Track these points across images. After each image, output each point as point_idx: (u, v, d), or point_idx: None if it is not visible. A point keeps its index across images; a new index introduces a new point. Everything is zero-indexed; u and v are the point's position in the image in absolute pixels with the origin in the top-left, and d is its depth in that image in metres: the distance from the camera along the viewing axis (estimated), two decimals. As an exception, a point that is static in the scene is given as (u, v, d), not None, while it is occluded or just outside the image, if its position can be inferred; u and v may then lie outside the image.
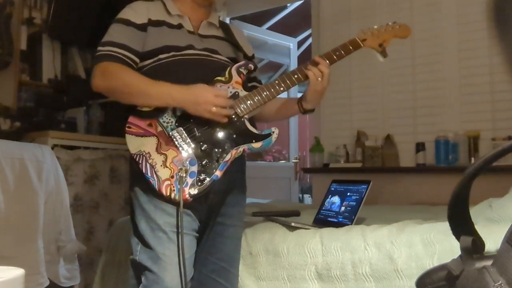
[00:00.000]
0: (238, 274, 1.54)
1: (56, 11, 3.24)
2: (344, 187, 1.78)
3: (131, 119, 1.39)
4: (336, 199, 1.77)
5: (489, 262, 0.69)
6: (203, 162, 1.34)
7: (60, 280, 2.29)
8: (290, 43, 4.66)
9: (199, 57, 1.46)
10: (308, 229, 1.58)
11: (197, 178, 1.33)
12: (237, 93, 1.42)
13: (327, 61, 1.45)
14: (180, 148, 1.35)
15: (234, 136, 1.39)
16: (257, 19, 4.99)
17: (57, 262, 2.31)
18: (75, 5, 3.25)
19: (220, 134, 1.38)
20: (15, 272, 0.84)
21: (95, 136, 3.06)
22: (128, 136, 1.38)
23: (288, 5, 4.97)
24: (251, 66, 1.46)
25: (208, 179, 1.33)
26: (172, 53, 1.44)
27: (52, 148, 2.54)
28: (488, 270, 0.67)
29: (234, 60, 1.52)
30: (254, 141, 1.40)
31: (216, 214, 1.47)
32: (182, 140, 1.36)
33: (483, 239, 0.76)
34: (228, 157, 1.36)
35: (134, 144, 1.36)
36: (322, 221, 1.76)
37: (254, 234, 1.62)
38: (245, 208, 1.59)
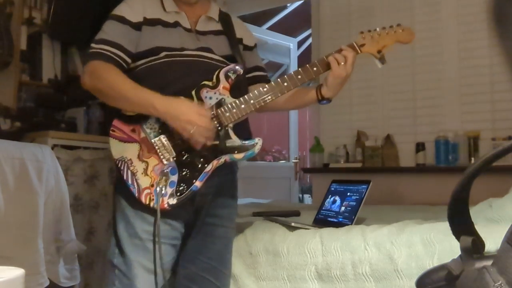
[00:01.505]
0: (230, 275, 1.54)
1: (56, 11, 3.24)
2: (344, 187, 1.78)
3: (115, 122, 1.38)
4: (336, 199, 1.77)
5: (489, 262, 0.69)
6: (184, 172, 1.33)
7: (60, 280, 2.28)
8: (290, 43, 4.66)
9: (191, 59, 1.42)
10: (308, 229, 1.58)
11: (177, 188, 1.32)
12: (223, 100, 1.38)
13: (321, 69, 1.42)
14: (162, 157, 1.34)
15: (216, 146, 1.36)
16: (257, 19, 4.98)
17: (57, 262, 2.30)
18: (75, 5, 3.25)
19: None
20: (15, 272, 0.84)
21: (95, 136, 3.05)
22: (111, 140, 1.37)
23: (288, 5, 4.97)
24: (240, 70, 1.40)
25: (187, 189, 1.32)
26: (164, 53, 1.40)
27: (52, 148, 2.53)
28: (488, 270, 0.67)
29: (230, 58, 1.49)
30: (236, 152, 1.37)
31: (206, 215, 1.46)
32: (164, 148, 1.34)
33: (483, 239, 0.76)
34: (209, 167, 1.34)
35: (117, 149, 1.36)
36: (322, 221, 1.76)
37: (254, 234, 1.62)
38: (236, 210, 1.59)
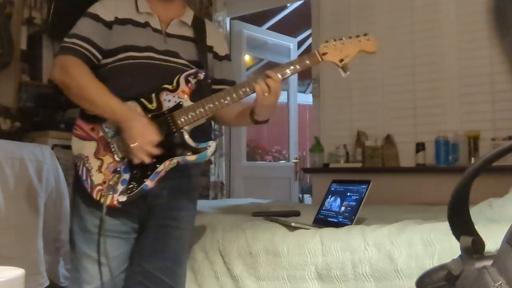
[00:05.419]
0: (185, 275, 1.59)
1: (56, 11, 3.24)
2: (344, 187, 1.78)
3: (78, 121, 1.45)
4: (336, 199, 1.77)
5: (489, 262, 0.69)
6: (135, 171, 1.36)
7: (60, 280, 2.29)
8: (290, 43, 4.66)
9: (157, 62, 1.46)
10: (308, 229, 1.58)
11: (127, 186, 1.36)
12: (180, 103, 1.41)
13: (279, 75, 1.41)
14: (116, 155, 1.38)
15: (170, 147, 1.38)
16: (257, 19, 4.99)
17: (57, 262, 2.30)
18: (75, 5, 3.25)
19: (157, 144, 1.36)
20: (15, 272, 0.84)
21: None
22: (73, 138, 1.44)
23: (288, 5, 4.97)
24: (201, 75, 1.43)
25: (137, 188, 1.35)
26: (130, 53, 1.45)
27: (52, 148, 2.54)
28: (488, 270, 0.67)
29: (197, 63, 1.52)
30: (189, 154, 1.39)
31: (161, 216, 1.49)
32: (119, 147, 1.38)
33: (483, 239, 0.76)
34: (161, 167, 1.36)
35: (76, 146, 1.43)
36: (322, 221, 1.76)
37: (254, 234, 1.62)
38: (194, 212, 1.61)
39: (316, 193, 3.53)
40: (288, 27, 5.19)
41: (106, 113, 1.38)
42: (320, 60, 1.45)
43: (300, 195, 5.51)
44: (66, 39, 1.45)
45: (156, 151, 1.34)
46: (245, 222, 1.75)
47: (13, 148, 2.15)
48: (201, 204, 2.56)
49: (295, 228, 1.59)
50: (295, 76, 4.67)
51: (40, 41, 3.32)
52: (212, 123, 1.74)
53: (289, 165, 4.59)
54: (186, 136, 1.40)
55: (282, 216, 1.94)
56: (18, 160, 2.12)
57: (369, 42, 1.45)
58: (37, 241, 2.13)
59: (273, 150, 6.95)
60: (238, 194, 4.02)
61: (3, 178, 2.02)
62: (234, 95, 1.41)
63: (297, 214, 2.07)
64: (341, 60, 1.44)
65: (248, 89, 1.41)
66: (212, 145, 1.39)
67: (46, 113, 3.17)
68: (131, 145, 1.32)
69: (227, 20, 4.07)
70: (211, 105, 1.40)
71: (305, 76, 5.08)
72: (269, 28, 5.19)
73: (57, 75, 1.41)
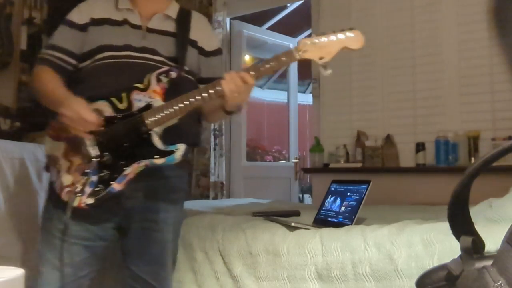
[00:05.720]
0: (170, 277, 1.58)
1: (55, 11, 3.24)
2: (344, 187, 1.78)
3: (52, 121, 1.44)
4: (336, 199, 1.77)
5: (489, 262, 0.69)
6: (102, 173, 1.33)
7: (60, 280, 2.28)
8: (290, 43, 4.66)
9: (133, 61, 1.43)
10: (308, 229, 1.58)
11: (94, 189, 1.33)
12: (150, 104, 1.34)
13: (253, 73, 1.33)
14: (84, 157, 1.35)
15: (138, 150, 1.33)
16: (257, 19, 4.99)
17: (57, 262, 2.31)
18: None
19: (125, 146, 1.34)
20: (15, 272, 0.84)
21: (95, 136, 3.05)
22: (46, 138, 1.44)
23: (288, 5, 4.97)
24: (173, 73, 1.36)
25: (104, 190, 1.32)
26: (108, 53, 1.43)
27: (52, 148, 2.53)
28: (488, 270, 0.67)
29: (175, 60, 1.46)
30: (156, 157, 1.33)
31: (139, 219, 1.47)
32: (88, 149, 1.35)
33: (483, 239, 0.77)
34: (128, 170, 1.32)
35: (48, 146, 1.43)
36: (322, 221, 1.76)
37: (254, 234, 1.62)
38: (175, 214, 1.55)
39: (316, 193, 3.53)
40: (288, 27, 5.19)
41: (56, 106, 1.35)
42: (297, 57, 1.34)
43: (300, 195, 5.51)
44: (42, 50, 1.49)
45: (92, 126, 1.31)
46: (245, 222, 1.75)
47: (13, 148, 2.15)
48: (201, 204, 2.57)
49: (295, 228, 1.59)
50: (295, 76, 4.67)
51: (40, 41, 3.32)
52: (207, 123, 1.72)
53: (289, 165, 4.59)
54: (155, 139, 1.34)
55: (282, 216, 1.93)
56: (18, 160, 2.12)
57: (353, 37, 1.32)
58: (37, 241, 2.13)
59: (273, 150, 6.95)
60: (238, 194, 4.02)
61: (3, 178, 2.02)
62: (205, 95, 1.33)
63: (297, 214, 2.07)
64: (321, 58, 1.33)
65: (219, 88, 1.33)
66: (180, 147, 1.32)
67: (46, 113, 3.17)
68: (66, 121, 1.31)
69: (227, 20, 4.07)
70: (181, 105, 1.33)
71: (305, 76, 5.08)
72: (269, 28, 5.19)
73: (32, 84, 1.47)
